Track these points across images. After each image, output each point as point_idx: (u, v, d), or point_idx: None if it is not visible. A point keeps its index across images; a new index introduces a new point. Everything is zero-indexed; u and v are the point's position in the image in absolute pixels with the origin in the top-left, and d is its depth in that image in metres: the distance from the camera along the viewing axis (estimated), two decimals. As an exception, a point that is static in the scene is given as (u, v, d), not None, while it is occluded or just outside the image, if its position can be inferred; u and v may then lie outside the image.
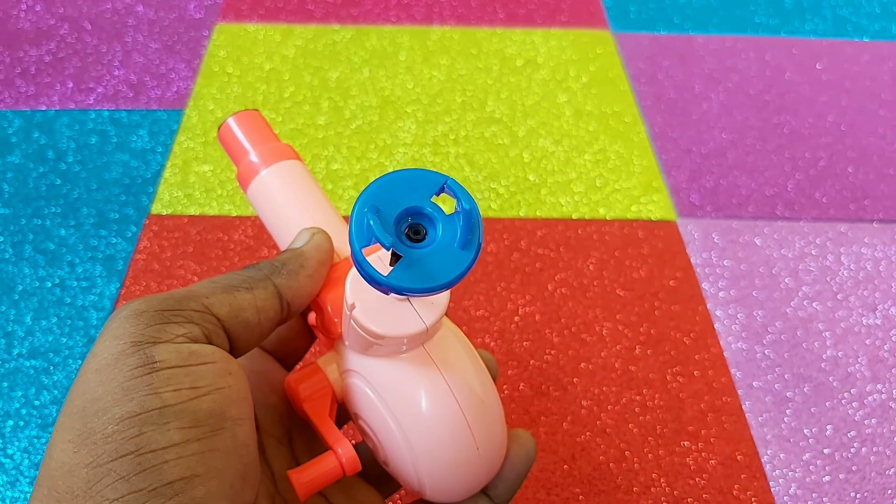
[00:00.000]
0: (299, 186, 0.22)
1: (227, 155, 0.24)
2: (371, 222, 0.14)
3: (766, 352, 0.48)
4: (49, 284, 0.50)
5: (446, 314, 0.18)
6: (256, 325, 0.16)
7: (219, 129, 0.24)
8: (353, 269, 0.18)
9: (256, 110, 0.24)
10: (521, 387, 0.45)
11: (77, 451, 0.12)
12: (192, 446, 0.13)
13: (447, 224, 0.14)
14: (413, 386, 0.18)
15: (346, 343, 0.19)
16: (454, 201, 0.15)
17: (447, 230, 0.14)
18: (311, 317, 0.23)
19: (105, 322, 0.16)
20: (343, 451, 0.19)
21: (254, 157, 0.22)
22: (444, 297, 0.18)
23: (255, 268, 0.18)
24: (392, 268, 0.14)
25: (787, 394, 0.46)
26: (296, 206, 0.22)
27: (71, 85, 0.66)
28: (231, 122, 0.23)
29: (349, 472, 0.19)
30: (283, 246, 0.22)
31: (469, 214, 0.14)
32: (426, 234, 0.14)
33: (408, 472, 0.18)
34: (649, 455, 0.42)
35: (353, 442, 0.22)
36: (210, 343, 0.15)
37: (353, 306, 0.17)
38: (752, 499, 0.41)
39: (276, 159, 0.22)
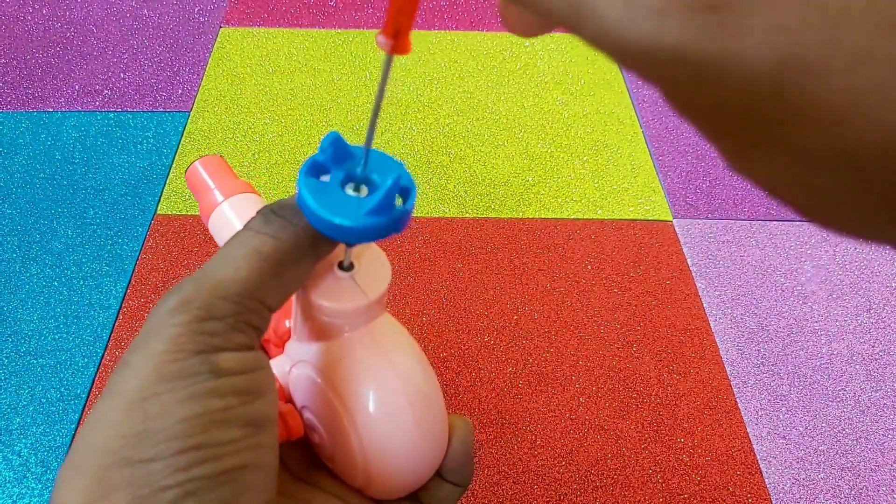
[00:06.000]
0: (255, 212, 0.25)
1: (193, 195, 0.27)
2: (333, 146, 0.15)
3: (761, 350, 0.49)
4: (56, 284, 0.51)
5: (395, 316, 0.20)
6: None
7: (186, 170, 0.27)
8: None
9: (220, 156, 0.27)
10: (519, 384, 0.46)
11: (135, 446, 0.13)
12: (247, 442, 0.14)
13: (379, 193, 0.16)
14: (356, 364, 0.19)
15: (295, 336, 0.20)
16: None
17: (378, 196, 0.16)
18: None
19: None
20: (289, 416, 0.20)
21: (215, 192, 0.25)
22: (385, 275, 0.19)
23: (299, 230, 0.15)
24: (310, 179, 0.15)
25: (782, 391, 0.47)
26: None
27: (77, 87, 0.67)
28: (197, 164, 0.26)
29: (294, 435, 0.20)
30: None
31: (386, 196, 0.15)
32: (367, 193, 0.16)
33: (353, 458, 0.19)
34: (645, 451, 0.43)
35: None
36: (260, 338, 0.15)
37: (306, 289, 0.18)
38: (748, 495, 0.41)
39: (234, 193, 0.25)
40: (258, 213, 0.16)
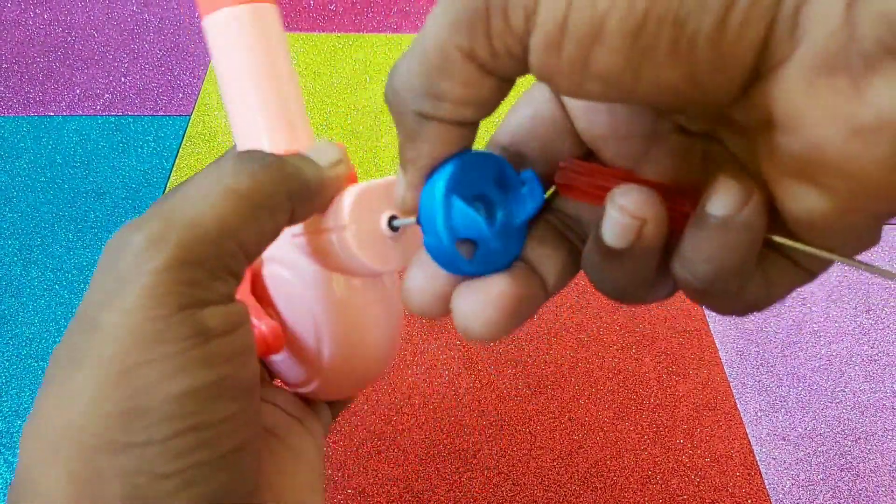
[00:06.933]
0: (265, 47, 0.18)
1: None
2: (476, 216, 0.13)
3: (760, 351, 0.49)
4: (57, 287, 0.51)
5: None
6: (261, 251, 0.14)
7: None
8: (356, 192, 0.17)
9: None
10: (518, 386, 0.46)
11: (124, 428, 0.11)
12: (241, 417, 0.13)
13: (507, 204, 0.14)
14: (352, 300, 0.18)
15: (290, 239, 0.18)
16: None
17: (507, 210, 0.14)
18: None
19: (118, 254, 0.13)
20: (270, 335, 0.18)
21: None
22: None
23: (271, 175, 0.14)
24: (470, 257, 0.13)
25: (782, 392, 0.47)
26: (256, 77, 0.18)
27: (78, 91, 0.67)
28: None
29: (272, 352, 0.18)
30: (233, 117, 0.18)
31: (534, 190, 0.14)
32: (486, 216, 0.14)
33: (307, 362, 0.19)
34: (644, 453, 0.43)
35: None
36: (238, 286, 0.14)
37: (344, 228, 0.16)
38: (747, 496, 0.41)
39: None
40: (229, 152, 0.14)
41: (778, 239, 0.12)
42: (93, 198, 0.58)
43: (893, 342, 0.50)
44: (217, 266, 0.13)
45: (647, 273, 0.12)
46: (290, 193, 0.14)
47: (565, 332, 0.49)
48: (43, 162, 0.60)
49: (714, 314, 0.51)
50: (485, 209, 0.14)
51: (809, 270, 0.13)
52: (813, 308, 0.52)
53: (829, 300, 0.53)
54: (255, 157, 0.14)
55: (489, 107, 0.12)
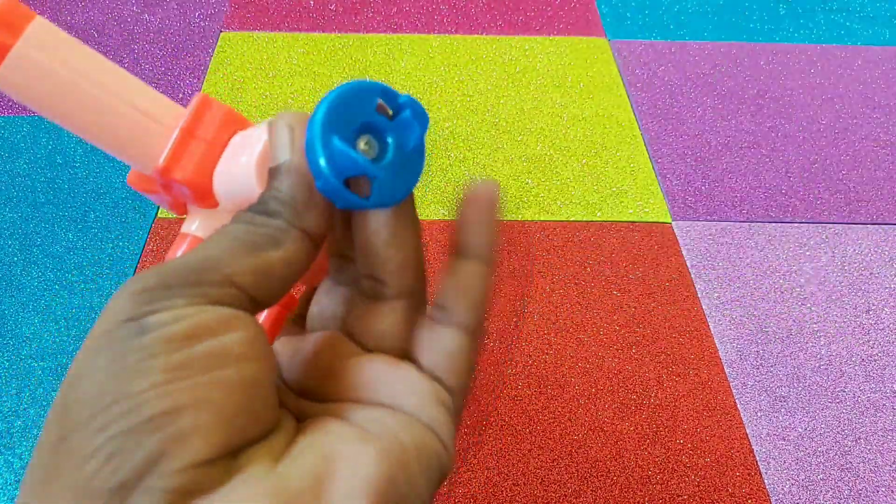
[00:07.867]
0: (71, 55, 0.17)
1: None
2: (356, 157, 0.13)
3: (760, 351, 0.49)
4: (57, 287, 0.51)
5: None
6: (290, 279, 0.14)
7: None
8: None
9: None
10: (519, 386, 0.46)
11: (63, 423, 0.12)
12: (180, 384, 0.12)
13: (395, 131, 0.14)
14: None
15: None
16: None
17: (397, 136, 0.14)
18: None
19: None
20: (277, 324, 0.19)
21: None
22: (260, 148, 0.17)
23: (270, 213, 0.15)
24: (369, 191, 0.13)
25: (782, 392, 0.47)
26: (91, 85, 0.16)
27: (78, 92, 0.67)
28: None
29: (273, 334, 0.19)
30: (96, 128, 0.17)
31: (418, 113, 0.14)
32: (378, 145, 0.14)
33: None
34: (645, 453, 0.43)
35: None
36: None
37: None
38: (747, 496, 0.41)
39: (21, 21, 0.15)
40: (248, 206, 0.15)
41: None
42: (93, 198, 0.58)
43: (893, 342, 0.50)
44: (187, 291, 0.13)
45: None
46: (293, 214, 0.14)
47: (565, 333, 0.49)
48: (43, 162, 0.60)
49: (714, 314, 0.51)
50: (376, 139, 0.14)
51: None
52: (813, 308, 0.52)
53: (829, 300, 0.53)
54: (261, 203, 0.15)
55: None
